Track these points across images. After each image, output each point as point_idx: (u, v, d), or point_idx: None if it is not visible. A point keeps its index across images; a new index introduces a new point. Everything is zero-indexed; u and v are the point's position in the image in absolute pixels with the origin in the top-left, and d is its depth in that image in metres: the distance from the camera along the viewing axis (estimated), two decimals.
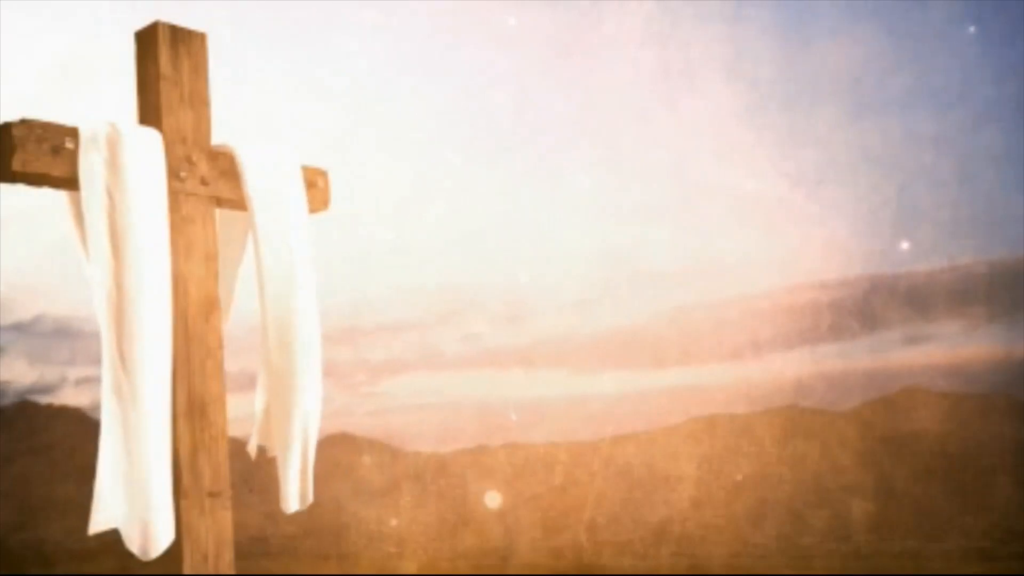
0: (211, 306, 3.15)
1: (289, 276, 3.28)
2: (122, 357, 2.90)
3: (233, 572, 3.13)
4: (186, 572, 3.00)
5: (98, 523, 2.86)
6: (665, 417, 20.74)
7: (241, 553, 3.17)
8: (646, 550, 18.19)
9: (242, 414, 3.37)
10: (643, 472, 19.48)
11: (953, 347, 20.50)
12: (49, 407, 24.15)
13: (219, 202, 3.27)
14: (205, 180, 3.20)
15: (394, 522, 18.98)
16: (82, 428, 22.96)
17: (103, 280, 2.90)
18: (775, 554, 17.51)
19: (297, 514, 3.31)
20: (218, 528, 3.09)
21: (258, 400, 3.39)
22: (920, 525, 17.50)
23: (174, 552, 3.00)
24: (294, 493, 3.31)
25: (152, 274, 2.97)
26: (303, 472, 3.33)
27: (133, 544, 2.90)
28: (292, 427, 3.28)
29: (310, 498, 3.34)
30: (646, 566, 17.75)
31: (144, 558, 2.91)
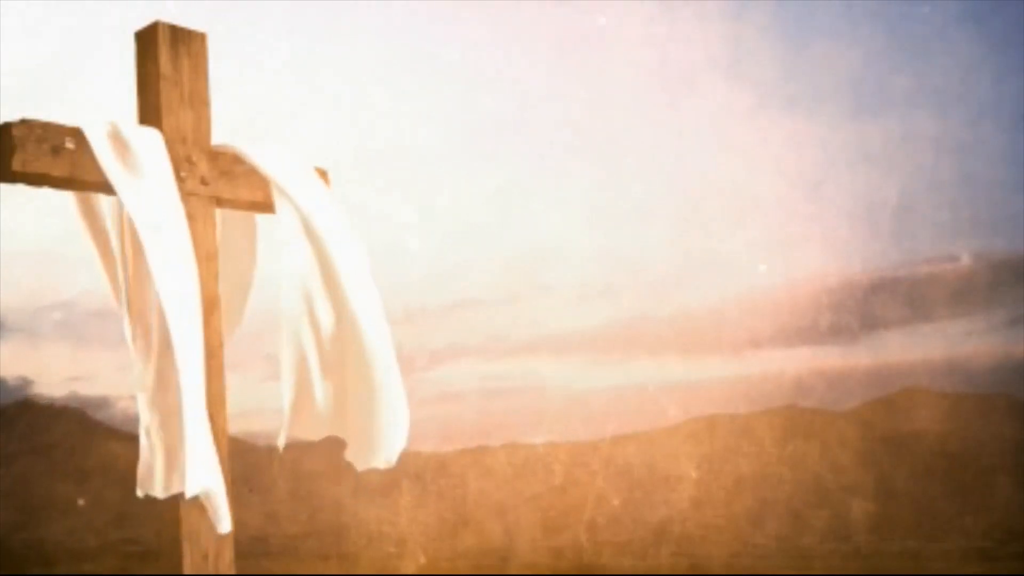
0: (211, 306, 3.16)
1: (355, 264, 3.29)
2: (181, 333, 2.90)
3: (233, 572, 3.13)
4: (186, 572, 3.01)
5: (193, 488, 2.88)
6: (665, 417, 20.75)
7: (241, 553, 3.17)
8: (646, 550, 18.19)
9: None
10: (643, 472, 19.49)
11: (953, 347, 20.50)
12: (50, 407, 24.12)
13: (219, 202, 3.28)
14: (205, 180, 3.21)
15: (394, 522, 18.98)
16: (82, 428, 22.95)
17: (162, 264, 2.91)
18: (775, 554, 17.51)
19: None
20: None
21: (287, 392, 3.36)
22: (920, 525, 17.49)
23: (174, 552, 3.00)
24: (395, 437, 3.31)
25: (182, 266, 2.98)
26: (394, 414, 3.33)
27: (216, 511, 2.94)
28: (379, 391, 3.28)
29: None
30: (646, 566, 17.75)
31: (223, 529, 2.95)
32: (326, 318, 3.30)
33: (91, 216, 3.06)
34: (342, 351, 3.30)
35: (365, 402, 3.31)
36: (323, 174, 3.55)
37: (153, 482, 2.93)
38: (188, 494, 2.88)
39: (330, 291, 3.27)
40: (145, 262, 2.92)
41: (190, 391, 2.88)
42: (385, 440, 3.33)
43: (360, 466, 3.39)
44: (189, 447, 2.85)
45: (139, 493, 2.96)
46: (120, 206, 2.98)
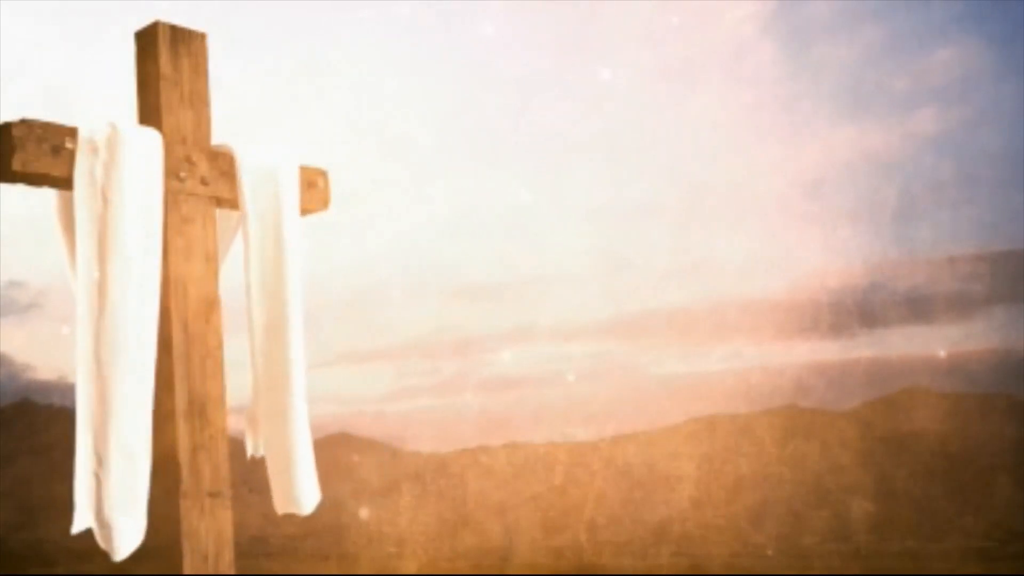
0: (211, 306, 3.16)
1: (276, 276, 3.28)
2: (99, 361, 2.89)
3: (233, 572, 3.13)
4: (186, 572, 3.00)
5: (79, 523, 2.90)
6: (665, 417, 20.74)
7: (241, 553, 3.17)
8: (646, 550, 18.19)
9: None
10: (643, 472, 19.48)
11: (953, 347, 20.49)
12: (49, 407, 24.13)
13: (219, 202, 3.27)
14: (205, 180, 3.20)
15: (394, 522, 18.97)
16: None
17: (86, 283, 2.90)
18: (775, 554, 17.51)
19: (297, 514, 3.31)
20: (218, 528, 3.09)
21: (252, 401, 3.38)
22: (920, 525, 17.49)
23: (174, 552, 3.00)
24: (299, 494, 3.31)
25: (140, 278, 2.96)
26: (304, 471, 3.32)
27: (103, 542, 2.92)
28: (289, 426, 3.28)
29: (317, 497, 3.33)
30: (646, 566, 17.74)
31: (113, 558, 2.93)
32: (272, 348, 3.32)
33: (70, 223, 3.05)
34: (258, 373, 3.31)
35: (281, 445, 3.31)
36: (322, 174, 3.54)
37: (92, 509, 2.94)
38: (73, 530, 2.88)
39: (276, 325, 3.30)
40: (112, 266, 2.92)
41: (117, 430, 2.90)
42: (300, 486, 3.32)
43: (279, 508, 3.37)
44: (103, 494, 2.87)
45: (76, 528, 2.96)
46: (100, 207, 2.96)
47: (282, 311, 3.28)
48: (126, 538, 2.93)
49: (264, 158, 3.33)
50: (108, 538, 2.91)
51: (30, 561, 18.93)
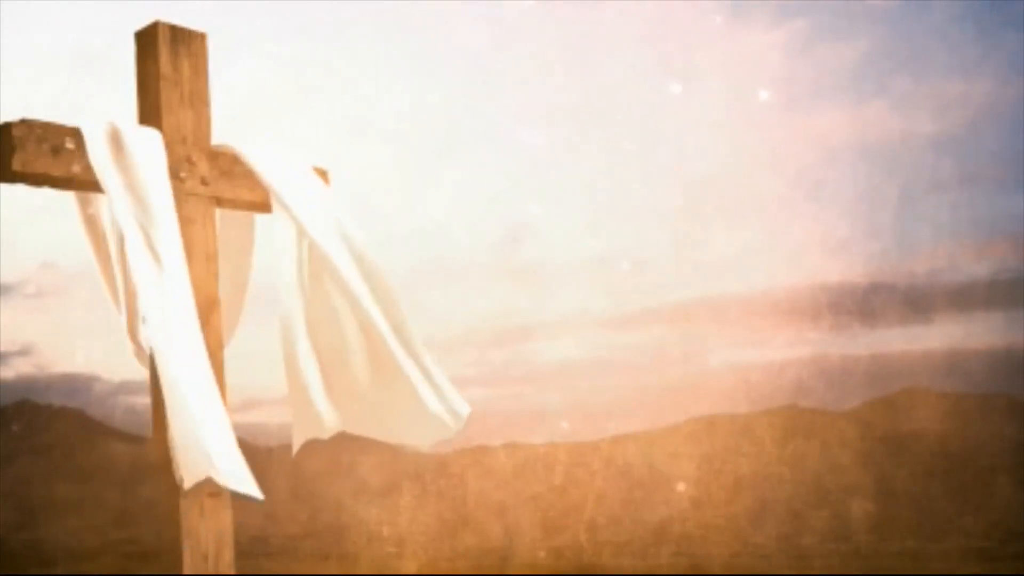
0: (211, 306, 3.15)
1: (355, 259, 3.27)
2: (168, 336, 2.89)
3: (233, 572, 3.13)
4: (186, 572, 3.01)
5: (201, 472, 2.86)
6: (665, 417, 20.73)
7: (241, 553, 3.17)
8: (646, 550, 18.18)
9: None
10: (643, 472, 19.47)
11: (953, 347, 20.47)
12: (49, 407, 24.12)
13: (219, 202, 3.27)
14: (205, 180, 3.21)
15: (394, 522, 18.97)
16: (82, 428, 22.94)
17: (147, 267, 2.89)
18: (775, 554, 17.50)
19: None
20: (218, 528, 3.09)
21: (294, 392, 3.34)
22: (920, 525, 17.48)
23: (174, 552, 3.01)
24: (448, 411, 3.30)
25: (173, 268, 2.97)
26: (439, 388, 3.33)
27: (237, 480, 2.90)
28: (408, 373, 3.28)
29: (464, 408, 3.31)
30: (646, 566, 17.74)
31: (256, 493, 2.92)
32: (326, 321, 3.29)
33: (91, 221, 3.06)
34: (347, 349, 3.30)
35: (387, 390, 3.31)
36: (323, 173, 3.54)
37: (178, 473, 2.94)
38: (187, 485, 2.88)
39: (328, 295, 3.27)
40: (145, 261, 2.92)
41: (196, 387, 2.87)
42: (417, 418, 3.34)
43: (419, 443, 3.43)
44: (208, 441, 2.85)
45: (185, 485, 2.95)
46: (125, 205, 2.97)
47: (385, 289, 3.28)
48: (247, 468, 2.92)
49: (277, 156, 3.34)
50: (241, 474, 2.89)
51: (30, 561, 18.92)
